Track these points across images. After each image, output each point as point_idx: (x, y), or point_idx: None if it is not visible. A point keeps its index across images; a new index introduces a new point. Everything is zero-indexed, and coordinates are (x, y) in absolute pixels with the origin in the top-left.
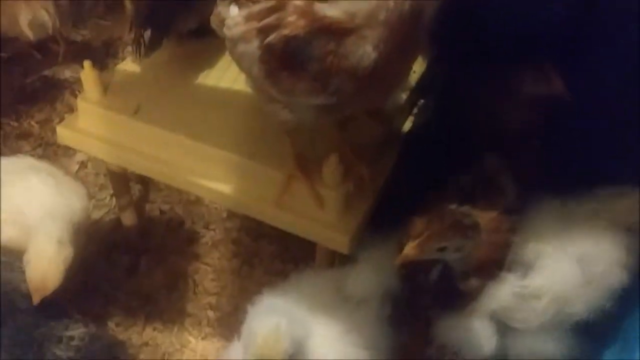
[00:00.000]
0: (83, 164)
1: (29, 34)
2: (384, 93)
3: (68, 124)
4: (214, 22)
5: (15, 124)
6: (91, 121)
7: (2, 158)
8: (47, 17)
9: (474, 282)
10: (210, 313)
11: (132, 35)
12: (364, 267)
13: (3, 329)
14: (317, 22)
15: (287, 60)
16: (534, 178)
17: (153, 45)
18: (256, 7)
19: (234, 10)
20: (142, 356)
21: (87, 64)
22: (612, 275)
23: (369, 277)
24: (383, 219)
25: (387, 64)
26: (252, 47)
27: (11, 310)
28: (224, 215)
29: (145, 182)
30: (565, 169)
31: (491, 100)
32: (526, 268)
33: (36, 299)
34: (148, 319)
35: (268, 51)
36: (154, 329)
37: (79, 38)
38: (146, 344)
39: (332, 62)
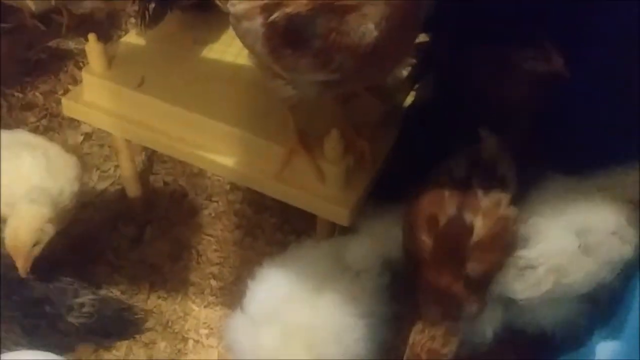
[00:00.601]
0: (88, 135)
1: (31, 5)
2: (386, 70)
3: (73, 96)
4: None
5: (20, 95)
6: (96, 93)
7: (3, 132)
8: None
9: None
10: (213, 282)
11: (136, 8)
12: (363, 238)
13: (15, 302)
14: (319, 0)
15: (290, 37)
16: (532, 154)
17: (157, 18)
18: None
19: None
20: (146, 323)
21: (91, 36)
22: (612, 247)
23: (368, 248)
24: (384, 192)
25: (389, 41)
26: (256, 24)
27: (20, 284)
28: (227, 187)
29: (149, 154)
30: (567, 146)
31: (491, 77)
32: (524, 241)
33: (19, 263)
34: (152, 288)
35: (271, 29)
36: (158, 297)
37: (81, 10)
38: (151, 311)
39: (334, 40)
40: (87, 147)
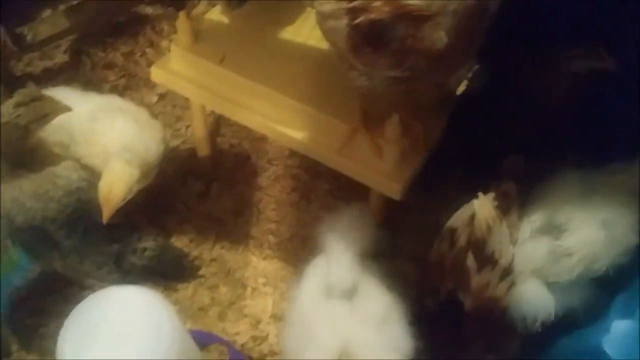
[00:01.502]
0: (162, 96)
1: None
2: (452, 71)
3: (161, 64)
4: None
5: (102, 55)
6: (182, 64)
7: (99, 96)
8: None
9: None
10: (271, 238)
11: None
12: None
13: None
14: (400, 9)
15: (371, 38)
16: (563, 146)
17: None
18: None
19: None
20: (210, 269)
21: (182, 14)
22: (629, 237)
23: None
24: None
25: (456, 47)
26: (341, 24)
27: (94, 226)
28: (286, 153)
29: (217, 118)
30: (594, 139)
31: (538, 74)
32: (558, 230)
33: (105, 212)
34: (217, 239)
35: (355, 30)
36: (222, 247)
37: None
38: (214, 259)
39: (409, 44)
40: (161, 107)
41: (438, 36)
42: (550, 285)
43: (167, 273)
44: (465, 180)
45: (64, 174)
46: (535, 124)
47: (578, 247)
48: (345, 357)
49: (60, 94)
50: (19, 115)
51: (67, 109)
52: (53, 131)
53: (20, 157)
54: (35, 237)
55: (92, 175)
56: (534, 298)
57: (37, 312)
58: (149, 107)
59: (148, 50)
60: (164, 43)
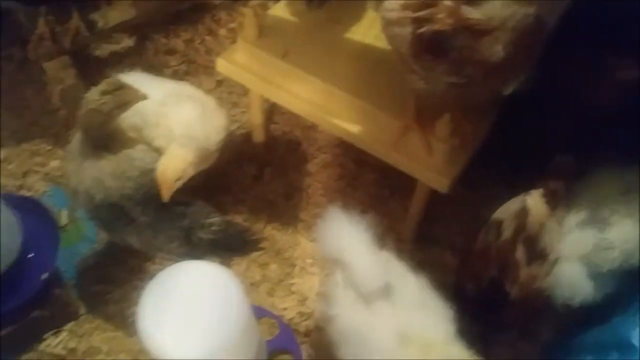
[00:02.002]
0: (219, 82)
1: None
2: (506, 81)
3: (227, 56)
4: (370, 2)
5: (165, 41)
6: (246, 57)
7: (171, 82)
8: None
9: None
10: (319, 221)
11: None
12: None
13: (162, 217)
14: (462, 22)
15: (433, 47)
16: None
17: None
18: None
19: None
20: (262, 248)
21: (249, 10)
22: None
23: None
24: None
25: (512, 60)
26: (405, 31)
27: (166, 204)
28: (335, 142)
29: (271, 107)
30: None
31: (589, 80)
32: (602, 224)
33: (162, 191)
34: (269, 220)
35: (418, 38)
36: (273, 228)
37: None
38: (266, 239)
39: (468, 54)
40: (218, 93)
41: (496, 50)
42: (591, 272)
43: (231, 246)
44: (509, 176)
45: (139, 155)
46: (581, 125)
47: (619, 241)
48: (407, 342)
49: (136, 79)
50: (103, 103)
51: (145, 97)
52: (129, 115)
53: (101, 140)
54: (113, 213)
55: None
56: (576, 281)
57: (102, 280)
58: (207, 92)
59: (207, 38)
60: (222, 31)
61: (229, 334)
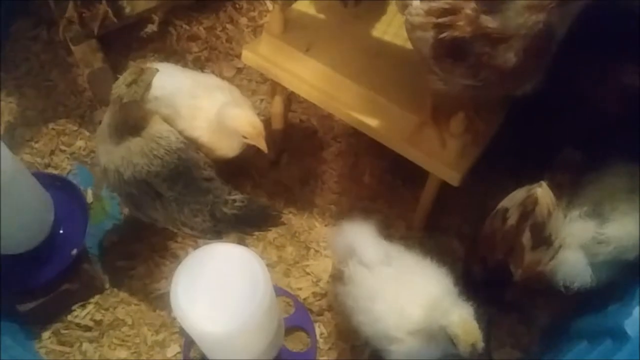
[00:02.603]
0: (239, 70)
1: None
2: (519, 85)
3: (252, 48)
4: (397, 3)
5: (187, 27)
6: (271, 50)
7: (198, 73)
8: None
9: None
10: (333, 207)
11: None
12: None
13: (188, 192)
14: (480, 30)
15: (452, 51)
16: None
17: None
18: (435, 5)
19: (416, 2)
20: (278, 231)
21: (276, 5)
22: None
23: None
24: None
25: (524, 66)
26: (428, 35)
27: (192, 181)
28: (350, 131)
29: (289, 96)
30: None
31: (597, 83)
32: (603, 218)
33: (261, 143)
34: (285, 204)
35: (440, 43)
36: (289, 212)
37: None
38: (282, 222)
39: (485, 60)
40: (238, 80)
41: (509, 56)
42: (590, 260)
43: (253, 222)
44: (516, 169)
45: (165, 134)
46: (589, 124)
47: (615, 238)
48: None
49: (164, 69)
50: (134, 92)
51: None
52: (162, 106)
53: (131, 123)
54: (141, 189)
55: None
56: (576, 267)
57: (126, 257)
58: (227, 80)
59: (228, 26)
60: (243, 20)
61: (254, 311)
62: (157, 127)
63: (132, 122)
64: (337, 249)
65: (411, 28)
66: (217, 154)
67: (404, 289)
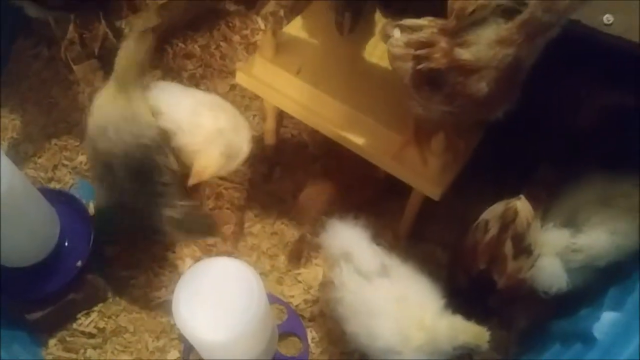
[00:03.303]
0: (233, 87)
1: None
2: (491, 112)
3: (246, 70)
4: (380, 32)
5: (183, 46)
6: (263, 72)
7: (200, 92)
8: None
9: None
10: (323, 218)
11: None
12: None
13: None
14: (455, 62)
15: (429, 81)
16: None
17: (352, 26)
18: (414, 37)
19: (397, 32)
20: (272, 241)
21: (268, 29)
22: (631, 245)
23: None
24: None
25: (495, 95)
26: (407, 65)
27: (150, 180)
28: (339, 146)
29: (281, 112)
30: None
31: (572, 103)
32: (577, 229)
33: (192, 180)
34: (278, 215)
35: (418, 73)
36: (282, 223)
37: None
38: (275, 233)
39: (459, 89)
40: (231, 96)
41: (482, 86)
42: (565, 267)
43: (192, 229)
44: (496, 182)
45: (144, 125)
46: (563, 141)
47: (586, 247)
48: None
49: (168, 89)
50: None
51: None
52: (164, 120)
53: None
54: (105, 168)
55: (184, 159)
56: (553, 273)
57: (127, 267)
58: (220, 95)
59: (222, 43)
60: (236, 38)
61: (250, 320)
62: (142, 112)
63: (131, 79)
64: (329, 250)
65: (393, 58)
66: (208, 171)
67: (403, 304)
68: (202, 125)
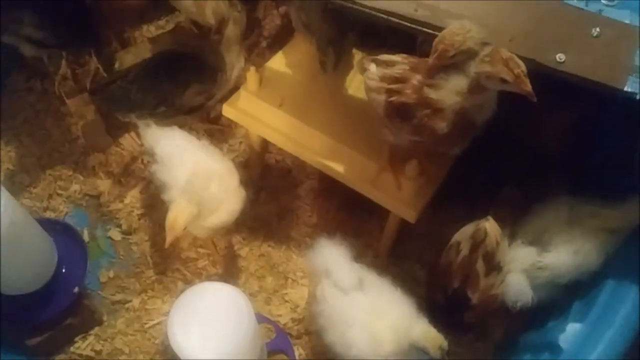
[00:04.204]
0: (219, 115)
1: (212, 20)
2: (453, 146)
3: (232, 103)
4: (358, 65)
5: None
6: (248, 105)
7: (203, 150)
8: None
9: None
10: (308, 240)
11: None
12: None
13: None
14: (423, 99)
15: (400, 113)
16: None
17: (335, 64)
18: (388, 72)
19: (372, 67)
20: (259, 263)
21: (252, 68)
22: (593, 265)
23: None
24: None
25: (454, 133)
26: (381, 97)
27: None
28: (320, 172)
29: (266, 141)
30: (584, 177)
31: (531, 130)
32: (542, 247)
33: (168, 238)
34: (264, 238)
35: (390, 104)
36: (268, 245)
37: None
38: (262, 255)
39: (425, 122)
40: (219, 124)
41: (443, 125)
42: (531, 283)
43: None
44: (468, 202)
45: None
46: (528, 164)
47: (551, 266)
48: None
49: (177, 134)
50: None
51: None
52: (161, 170)
53: None
54: None
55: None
56: (519, 288)
57: (121, 291)
58: (208, 123)
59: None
60: None
61: (240, 339)
62: None
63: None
64: (313, 267)
65: (368, 90)
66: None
67: (376, 315)
68: (195, 190)
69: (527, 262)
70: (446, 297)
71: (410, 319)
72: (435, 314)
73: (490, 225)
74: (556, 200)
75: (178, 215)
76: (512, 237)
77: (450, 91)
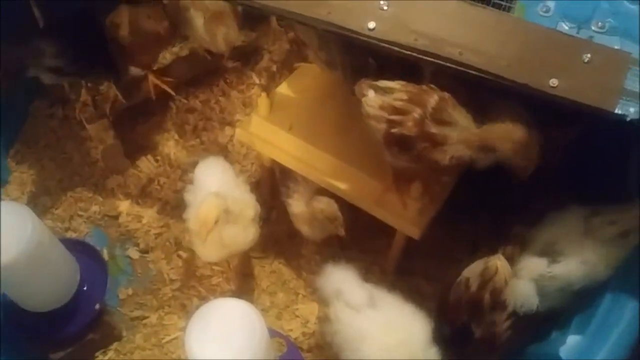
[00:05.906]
0: (231, 138)
1: (223, 47)
2: (452, 173)
3: (244, 127)
4: (357, 90)
5: (185, 101)
6: (259, 129)
7: (229, 180)
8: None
9: None
10: (317, 257)
11: None
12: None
13: None
14: (424, 133)
15: (399, 143)
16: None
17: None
18: (387, 100)
19: (371, 93)
20: (270, 279)
21: (263, 94)
22: (601, 275)
23: None
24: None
25: (450, 168)
26: (380, 126)
27: None
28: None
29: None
30: (591, 188)
31: None
32: (553, 258)
33: (203, 233)
34: (276, 256)
35: (390, 135)
36: (279, 263)
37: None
38: (274, 272)
39: (424, 154)
40: (231, 146)
41: (442, 157)
42: (539, 291)
43: None
44: (470, 217)
45: None
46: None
47: (560, 277)
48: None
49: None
50: None
51: None
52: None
53: None
54: None
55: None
56: (526, 295)
57: (139, 307)
58: (222, 146)
59: (221, 98)
60: (234, 93)
61: (253, 353)
62: None
63: None
64: (323, 291)
65: (366, 116)
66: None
67: (389, 329)
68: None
69: (536, 271)
70: (452, 329)
71: (424, 338)
72: (440, 343)
73: (501, 264)
74: (569, 211)
75: (209, 209)
76: (524, 249)
77: (458, 129)
